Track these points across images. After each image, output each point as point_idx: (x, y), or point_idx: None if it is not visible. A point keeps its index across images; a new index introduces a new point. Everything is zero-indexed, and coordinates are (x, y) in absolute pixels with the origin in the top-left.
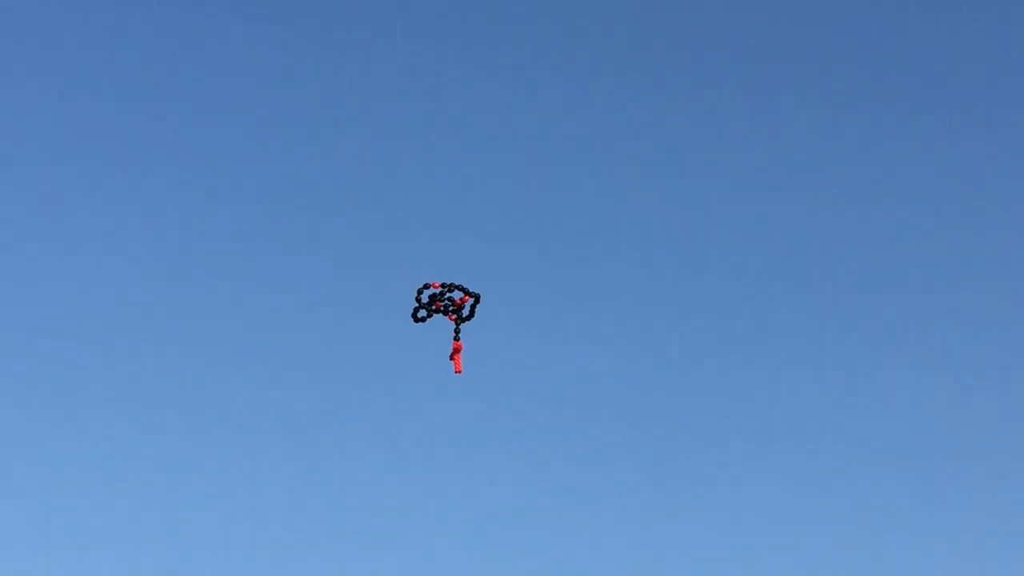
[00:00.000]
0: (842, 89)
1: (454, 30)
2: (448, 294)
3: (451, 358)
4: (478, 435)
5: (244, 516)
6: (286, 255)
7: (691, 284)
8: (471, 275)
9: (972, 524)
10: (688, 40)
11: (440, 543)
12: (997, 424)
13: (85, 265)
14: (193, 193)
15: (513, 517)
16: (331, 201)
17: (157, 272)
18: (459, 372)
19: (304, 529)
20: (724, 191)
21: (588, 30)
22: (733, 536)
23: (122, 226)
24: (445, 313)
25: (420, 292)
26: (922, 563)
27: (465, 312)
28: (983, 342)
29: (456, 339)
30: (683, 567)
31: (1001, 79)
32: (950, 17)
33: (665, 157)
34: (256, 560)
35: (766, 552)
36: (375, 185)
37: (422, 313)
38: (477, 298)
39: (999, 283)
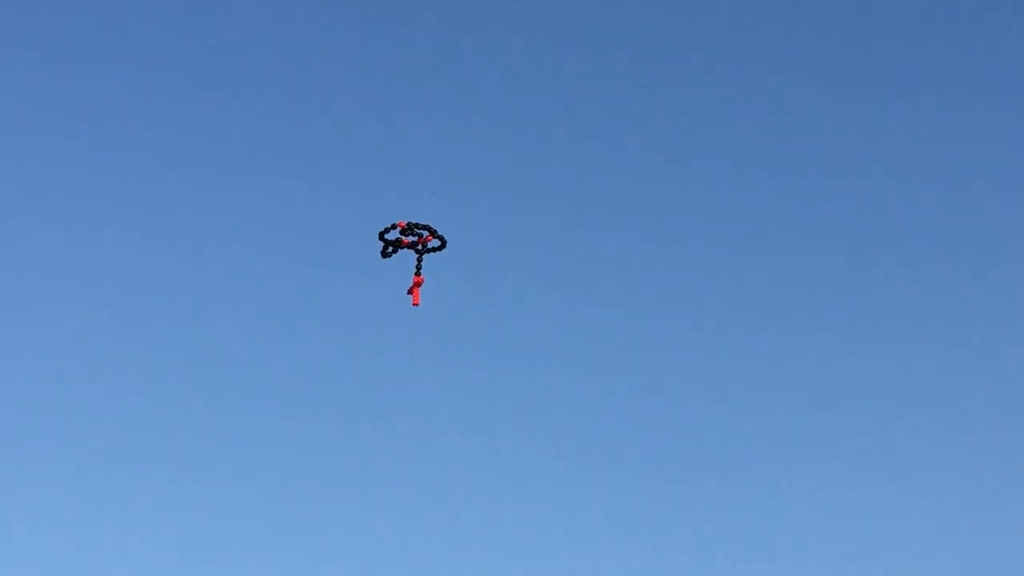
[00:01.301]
0: (841, 81)
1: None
2: (417, 231)
3: (409, 291)
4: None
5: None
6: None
7: (692, 264)
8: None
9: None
10: (684, 30)
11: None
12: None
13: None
14: (188, 182)
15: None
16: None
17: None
18: (416, 305)
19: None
20: (725, 176)
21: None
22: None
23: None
24: (411, 247)
25: (385, 231)
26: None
27: (434, 245)
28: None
29: (417, 273)
30: (673, 556)
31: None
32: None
33: (665, 140)
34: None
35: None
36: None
37: (389, 250)
38: (443, 242)
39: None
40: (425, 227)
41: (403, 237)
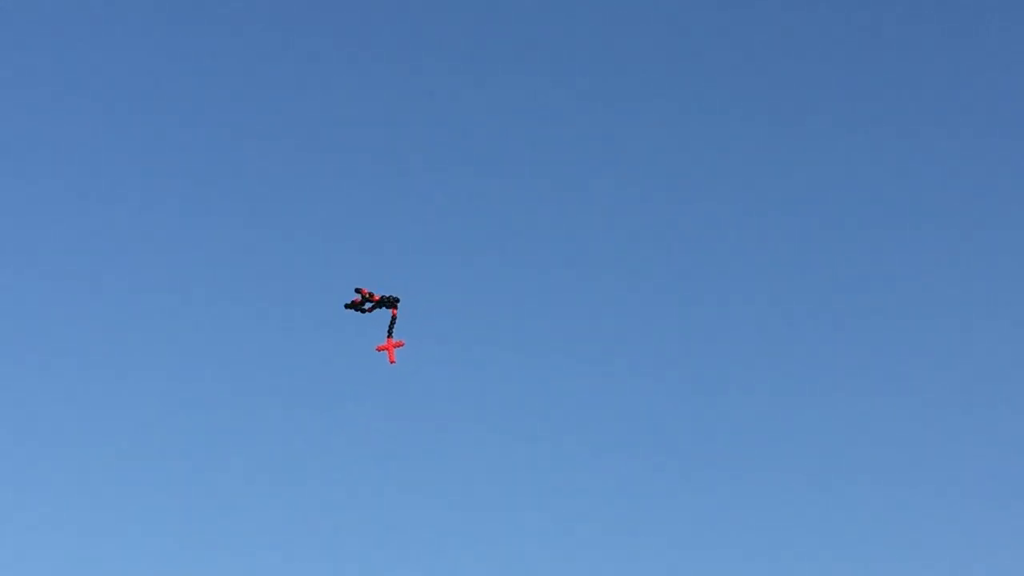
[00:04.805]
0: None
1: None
2: (387, 303)
3: (380, 349)
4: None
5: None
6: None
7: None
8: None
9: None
10: (677, 41)
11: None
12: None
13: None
14: (182, 196)
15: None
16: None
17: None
18: (393, 363)
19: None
20: (715, 191)
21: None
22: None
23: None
24: (381, 305)
25: (356, 304)
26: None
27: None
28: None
29: (390, 336)
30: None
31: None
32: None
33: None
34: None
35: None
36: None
37: (367, 304)
38: (394, 313)
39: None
40: (391, 300)
41: (370, 304)
